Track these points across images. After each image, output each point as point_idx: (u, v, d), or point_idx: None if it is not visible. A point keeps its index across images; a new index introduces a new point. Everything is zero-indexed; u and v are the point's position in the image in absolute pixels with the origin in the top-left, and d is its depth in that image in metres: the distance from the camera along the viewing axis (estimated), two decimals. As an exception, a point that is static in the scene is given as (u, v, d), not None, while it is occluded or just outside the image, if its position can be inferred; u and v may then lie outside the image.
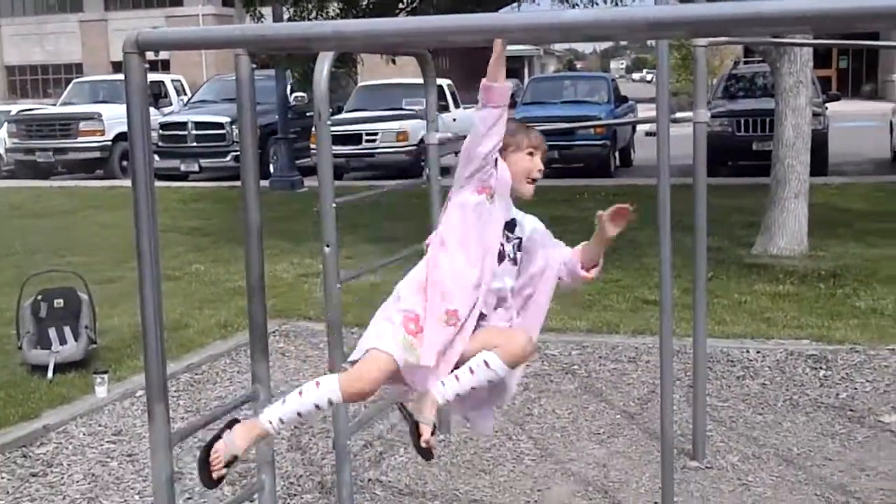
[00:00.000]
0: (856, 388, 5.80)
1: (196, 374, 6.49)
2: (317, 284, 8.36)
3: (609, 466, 4.91)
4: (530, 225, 3.07)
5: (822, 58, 45.55)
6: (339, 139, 18.33)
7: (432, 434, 2.91)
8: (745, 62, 22.39)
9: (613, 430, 5.39)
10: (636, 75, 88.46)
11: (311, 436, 5.37)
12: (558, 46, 74.23)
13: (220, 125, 19.43)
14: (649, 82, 62.03)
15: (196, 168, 19.49)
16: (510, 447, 5.19)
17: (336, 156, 20.90)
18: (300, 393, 2.90)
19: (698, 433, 4.92)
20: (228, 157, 18.84)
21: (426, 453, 2.96)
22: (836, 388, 5.83)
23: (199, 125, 19.66)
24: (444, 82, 20.87)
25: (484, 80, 2.78)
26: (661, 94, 4.19)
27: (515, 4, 17.29)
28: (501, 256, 2.94)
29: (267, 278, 3.37)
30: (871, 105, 35.13)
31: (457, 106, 20.86)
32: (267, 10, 16.06)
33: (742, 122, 17.01)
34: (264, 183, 12.81)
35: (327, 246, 3.96)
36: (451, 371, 2.88)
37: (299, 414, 2.92)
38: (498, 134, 2.79)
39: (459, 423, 5.12)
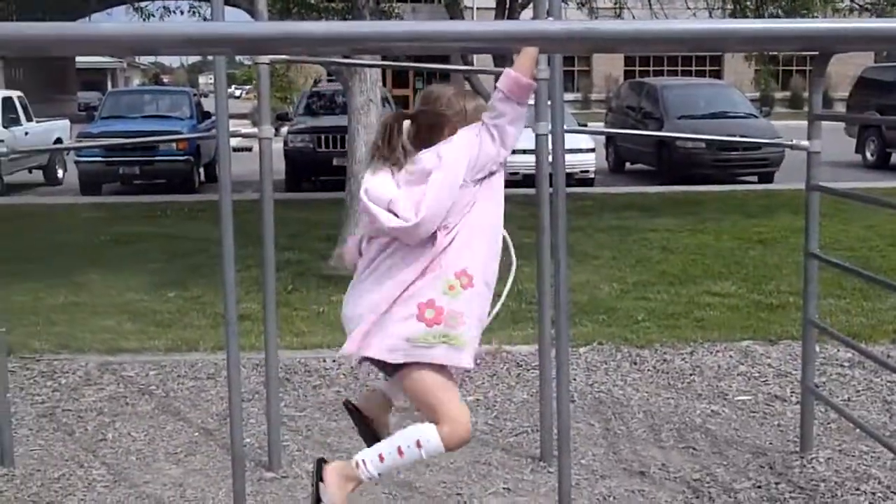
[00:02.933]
0: (422, 390, 6.14)
1: None
2: None
3: (186, 485, 4.85)
4: None
5: (399, 78, 47.94)
6: None
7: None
8: (329, 80, 23.07)
9: (191, 448, 5.34)
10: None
11: None
12: (144, 59, 72.27)
13: None
14: (238, 97, 61.97)
15: None
16: (81, 475, 4.97)
17: None
18: (399, 451, 3.02)
19: (273, 444, 5.00)
20: None
21: None
22: (404, 390, 6.15)
23: None
24: (14, 94, 19.63)
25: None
26: (221, 110, 4.23)
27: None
28: None
29: None
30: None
31: (29, 119, 19.66)
32: None
33: (323, 138, 17.49)
34: None
35: None
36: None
37: (397, 470, 3.14)
38: None
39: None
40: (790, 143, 5.24)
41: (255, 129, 4.86)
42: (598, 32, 2.39)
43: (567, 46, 2.44)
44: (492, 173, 3.00)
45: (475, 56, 21.76)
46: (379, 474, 3.08)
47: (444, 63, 10.19)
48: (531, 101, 3.07)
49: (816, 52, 4.86)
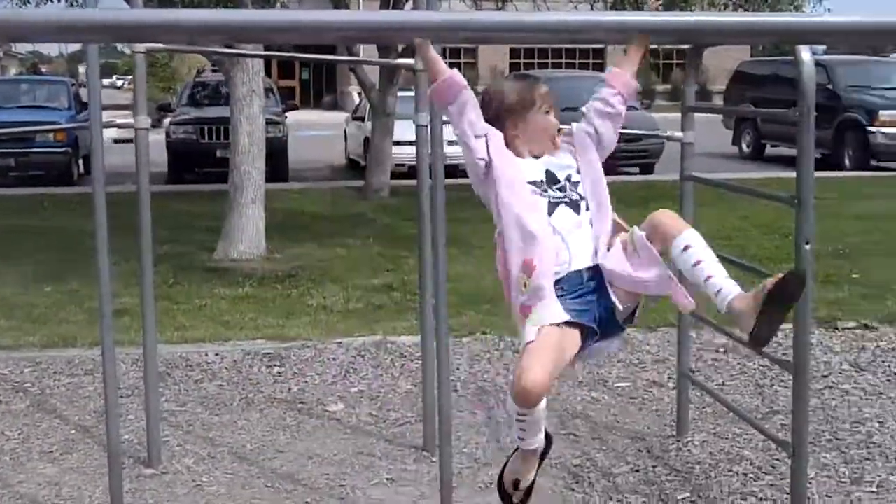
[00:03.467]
0: (307, 382, 6.12)
1: None
2: None
3: (62, 484, 4.73)
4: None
5: (285, 69, 47.51)
6: None
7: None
8: (213, 70, 22.72)
9: (67, 446, 5.20)
10: (105, 81, 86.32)
11: None
12: (20, 48, 70.10)
13: None
14: (119, 88, 60.68)
15: None
16: (-48, 476, 4.82)
17: None
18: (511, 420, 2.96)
19: (153, 440, 4.91)
20: None
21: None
22: (288, 383, 6.11)
23: None
24: None
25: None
26: (94, 100, 4.12)
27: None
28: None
29: None
30: (331, 115, 37.24)
31: None
32: None
33: (206, 129, 17.26)
34: None
35: None
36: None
37: (521, 431, 2.96)
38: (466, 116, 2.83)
39: None
40: (665, 134, 5.37)
41: (131, 120, 4.75)
42: (475, 23, 2.42)
43: (444, 36, 2.46)
44: (486, 169, 2.95)
45: (361, 47, 21.70)
46: (521, 438, 3.00)
47: (330, 54, 10.15)
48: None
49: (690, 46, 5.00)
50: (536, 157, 3.03)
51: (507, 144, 2.99)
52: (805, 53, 3.90)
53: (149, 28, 2.74)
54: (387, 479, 4.75)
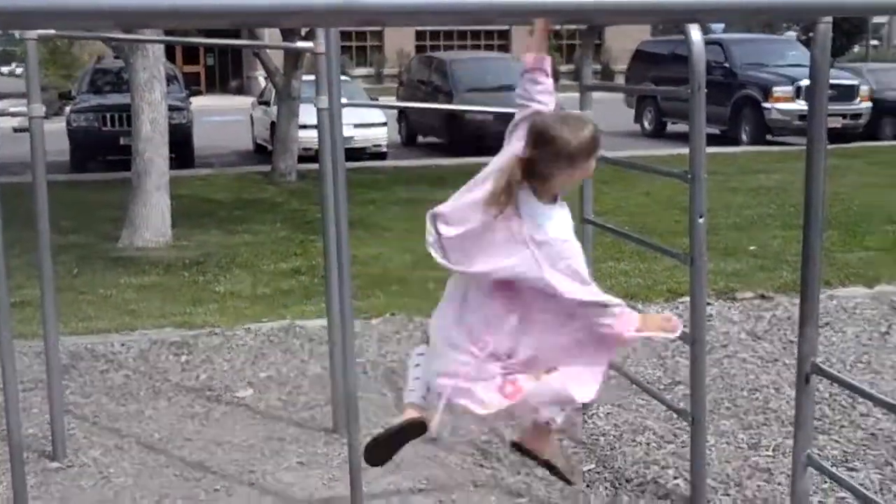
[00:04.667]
0: (215, 369, 6.09)
1: None
2: None
3: (-36, 481, 4.65)
4: None
5: (190, 55, 46.75)
6: None
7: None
8: (114, 57, 22.28)
9: (-32, 442, 5.11)
10: (5, 69, 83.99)
11: None
12: None
13: None
14: (19, 76, 59.19)
15: None
16: None
17: None
18: None
19: (57, 432, 4.85)
20: None
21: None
22: (196, 370, 6.07)
23: None
24: None
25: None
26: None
27: None
28: None
29: None
30: (237, 100, 36.79)
31: None
32: None
33: (108, 116, 16.95)
34: None
35: None
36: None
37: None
38: None
39: None
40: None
41: (24, 108, 4.66)
42: (361, 5, 2.43)
43: (331, 20, 2.47)
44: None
45: (266, 31, 21.48)
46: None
47: (234, 38, 10.05)
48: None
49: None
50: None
51: (533, 175, 2.85)
52: (694, 32, 4.00)
53: (35, 14, 2.70)
54: (297, 462, 4.77)
